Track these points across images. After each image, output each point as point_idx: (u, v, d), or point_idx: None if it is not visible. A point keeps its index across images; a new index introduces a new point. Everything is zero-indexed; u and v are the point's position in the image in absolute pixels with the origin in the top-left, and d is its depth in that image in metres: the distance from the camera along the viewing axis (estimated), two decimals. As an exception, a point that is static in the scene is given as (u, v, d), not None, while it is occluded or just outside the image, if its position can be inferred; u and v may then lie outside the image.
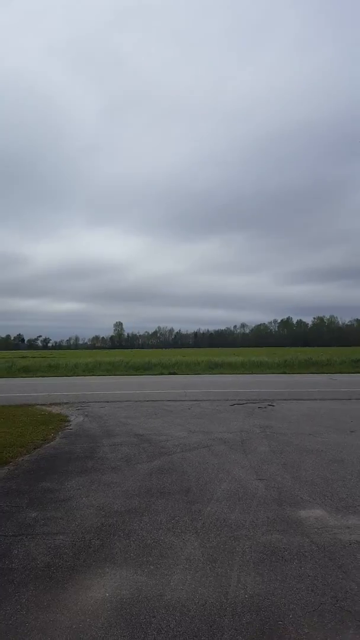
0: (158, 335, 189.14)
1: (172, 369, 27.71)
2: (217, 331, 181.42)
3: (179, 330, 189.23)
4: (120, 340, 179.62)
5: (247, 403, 12.62)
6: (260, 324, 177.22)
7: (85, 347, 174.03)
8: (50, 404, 12.74)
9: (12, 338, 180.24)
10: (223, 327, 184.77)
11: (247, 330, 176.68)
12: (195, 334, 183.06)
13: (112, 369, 28.53)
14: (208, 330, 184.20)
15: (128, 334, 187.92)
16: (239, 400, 13.25)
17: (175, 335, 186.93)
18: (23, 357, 54.79)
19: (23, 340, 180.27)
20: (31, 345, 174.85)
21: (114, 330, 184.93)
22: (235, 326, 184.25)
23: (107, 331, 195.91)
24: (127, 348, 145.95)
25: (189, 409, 11.69)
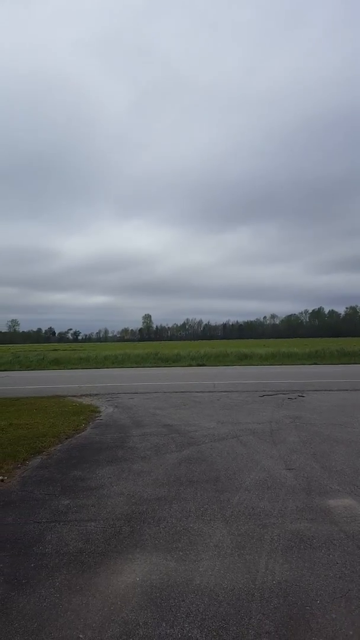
0: (187, 327, 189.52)
1: (200, 361, 27.76)
2: (247, 322, 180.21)
3: (208, 322, 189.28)
4: (149, 333, 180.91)
5: (276, 394, 12.55)
6: (291, 315, 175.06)
7: (114, 339, 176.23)
8: (81, 396, 13.00)
9: (43, 331, 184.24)
10: (253, 318, 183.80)
11: (277, 321, 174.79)
12: (224, 326, 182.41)
13: (140, 361, 28.81)
14: (237, 322, 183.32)
15: (157, 326, 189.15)
16: (269, 391, 13.19)
17: (204, 327, 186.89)
18: (54, 349, 55.92)
19: (54, 333, 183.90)
20: (62, 338, 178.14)
21: (143, 322, 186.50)
22: (265, 317, 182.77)
23: (136, 323, 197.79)
24: (156, 340, 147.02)
25: (218, 400, 11.72)
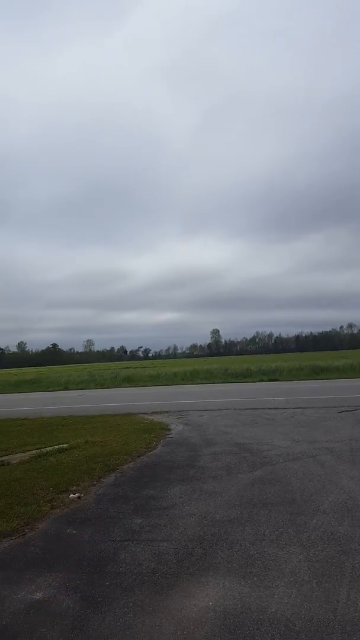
0: (257, 340, 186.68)
1: (272, 376, 27.15)
2: (322, 333, 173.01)
3: (279, 334, 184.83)
4: (217, 348, 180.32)
5: (356, 410, 11.95)
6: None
7: (183, 355, 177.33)
8: (152, 413, 13.18)
9: (116, 350, 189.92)
10: (328, 329, 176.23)
11: (356, 331, 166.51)
12: (297, 338, 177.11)
13: (210, 377, 28.72)
14: (311, 333, 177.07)
15: (225, 340, 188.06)
16: (347, 406, 12.59)
17: (275, 340, 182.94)
18: (126, 367, 57.34)
19: (125, 351, 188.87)
20: (133, 356, 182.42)
21: (211, 337, 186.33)
22: (341, 327, 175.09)
23: (204, 339, 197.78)
24: (225, 355, 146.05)
25: (292, 416, 11.37)
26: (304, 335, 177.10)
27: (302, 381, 24.13)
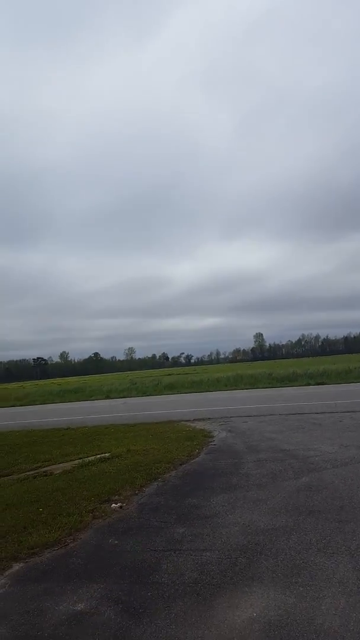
0: (302, 343, 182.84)
1: (319, 379, 26.42)
2: None
3: (327, 336, 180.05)
4: (262, 352, 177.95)
5: None
6: None
7: (226, 360, 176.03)
8: (194, 420, 13.09)
9: (157, 357, 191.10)
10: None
11: None
12: (346, 339, 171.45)
13: (254, 382, 28.30)
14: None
15: (270, 344, 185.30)
16: None
17: (322, 342, 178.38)
18: (168, 374, 57.52)
19: (167, 358, 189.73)
20: (175, 362, 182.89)
21: (255, 341, 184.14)
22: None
23: (247, 343, 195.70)
24: (270, 359, 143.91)
25: (340, 421, 11.00)
26: (352, 336, 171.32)
27: (351, 384, 23.36)
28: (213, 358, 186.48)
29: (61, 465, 8.31)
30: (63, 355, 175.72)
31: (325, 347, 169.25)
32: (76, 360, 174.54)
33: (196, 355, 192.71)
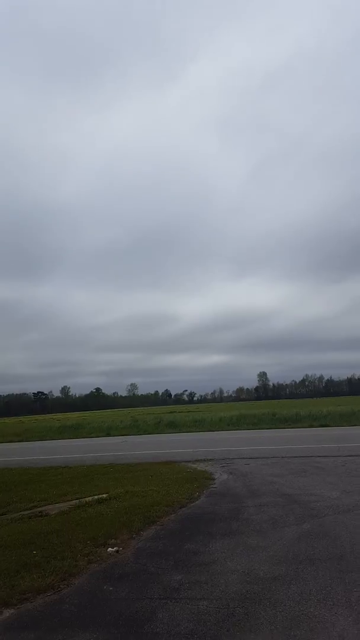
0: (306, 383, 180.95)
1: (323, 421, 26.05)
2: None
3: (330, 377, 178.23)
4: (265, 391, 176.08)
5: None
6: None
7: (229, 399, 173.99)
8: (195, 461, 12.87)
9: (160, 394, 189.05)
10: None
11: None
12: (350, 380, 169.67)
13: (257, 422, 27.91)
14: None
15: (274, 383, 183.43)
16: None
17: (325, 383, 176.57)
18: (170, 412, 56.85)
19: (170, 395, 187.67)
20: (178, 399, 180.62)
21: (259, 380, 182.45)
22: None
23: (251, 382, 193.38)
24: (273, 399, 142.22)
25: (343, 465, 10.81)
26: (356, 377, 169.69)
27: (354, 427, 23.02)
28: (216, 396, 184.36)
29: (57, 505, 8.15)
30: (64, 390, 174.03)
31: (329, 388, 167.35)
32: (77, 395, 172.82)
33: (199, 392, 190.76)
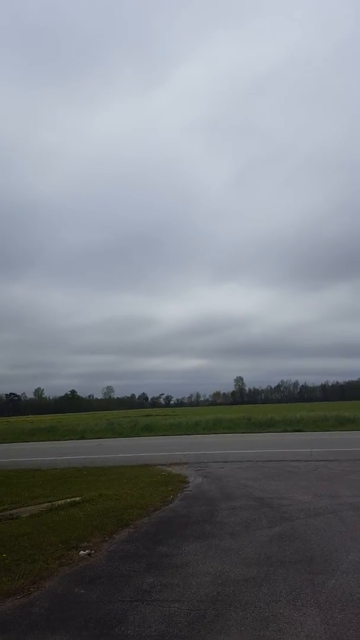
0: (281, 388, 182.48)
1: (297, 426, 26.34)
2: (349, 382, 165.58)
3: (305, 383, 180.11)
4: (241, 396, 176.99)
5: (380, 462, 11.49)
6: None
7: (206, 403, 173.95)
8: (170, 464, 12.87)
9: (136, 397, 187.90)
10: (355, 378, 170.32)
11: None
12: (324, 387, 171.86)
13: (232, 427, 28.06)
14: (338, 382, 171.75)
15: (250, 388, 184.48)
16: (372, 458, 12.12)
17: (300, 389, 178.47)
18: (147, 415, 56.61)
19: (147, 398, 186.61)
20: (154, 403, 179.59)
21: (235, 385, 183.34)
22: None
23: (228, 387, 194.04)
24: (249, 403, 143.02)
25: (315, 470, 10.97)
26: (330, 384, 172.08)
27: (327, 432, 23.37)
28: (193, 400, 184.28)
29: (29, 508, 8.04)
30: (37, 392, 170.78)
31: (303, 394, 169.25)
32: (51, 398, 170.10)
33: (176, 396, 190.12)
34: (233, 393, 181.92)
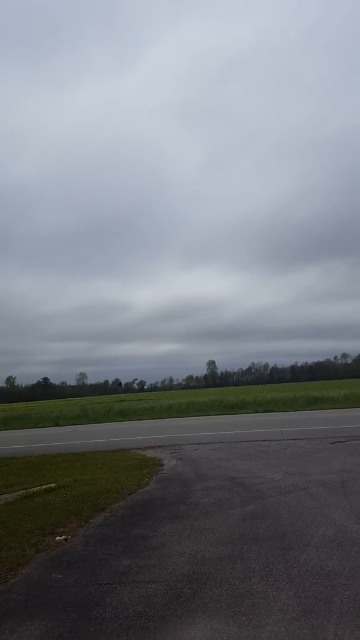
0: (252, 371, 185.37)
1: (267, 407, 26.93)
2: (317, 363, 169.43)
3: (275, 365, 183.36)
4: (214, 379, 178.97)
5: (349, 440, 11.89)
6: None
7: (179, 387, 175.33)
8: (145, 448, 12.99)
9: (110, 383, 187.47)
10: (322, 359, 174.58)
11: (350, 361, 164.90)
12: (293, 368, 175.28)
13: (205, 409, 28.43)
14: (306, 363, 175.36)
15: (222, 371, 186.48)
16: (340, 437, 12.52)
17: (270, 370, 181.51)
18: (120, 400, 56.70)
19: (120, 384, 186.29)
20: (128, 388, 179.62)
21: (207, 368, 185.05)
22: (335, 357, 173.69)
23: (201, 370, 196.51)
24: (221, 386, 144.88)
25: (285, 448, 11.27)
26: (299, 365, 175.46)
27: (296, 412, 23.97)
28: (166, 384, 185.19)
29: (3, 496, 8.00)
30: (9, 380, 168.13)
31: (274, 376, 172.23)
32: (23, 386, 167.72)
33: (150, 381, 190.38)
34: (205, 376, 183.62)
